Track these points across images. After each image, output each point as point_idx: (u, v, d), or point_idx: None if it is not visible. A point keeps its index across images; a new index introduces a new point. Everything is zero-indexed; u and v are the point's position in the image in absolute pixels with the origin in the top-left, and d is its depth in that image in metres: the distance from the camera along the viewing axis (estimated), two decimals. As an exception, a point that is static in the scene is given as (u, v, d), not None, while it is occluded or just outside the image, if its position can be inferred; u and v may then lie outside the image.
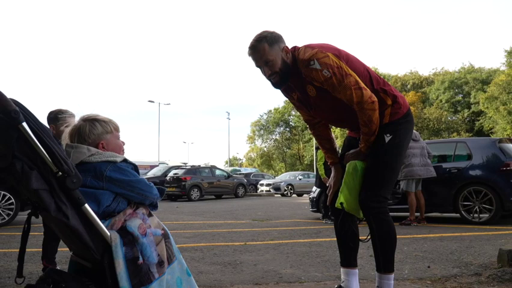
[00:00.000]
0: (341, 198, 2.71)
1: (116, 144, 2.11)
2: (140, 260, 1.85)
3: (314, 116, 2.91)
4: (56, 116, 3.60)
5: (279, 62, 2.58)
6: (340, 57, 2.56)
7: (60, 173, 1.69)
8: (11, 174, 1.66)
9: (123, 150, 2.16)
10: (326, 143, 3.00)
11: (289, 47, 2.67)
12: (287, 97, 2.92)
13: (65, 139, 2.06)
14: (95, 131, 2.05)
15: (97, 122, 2.07)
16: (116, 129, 2.14)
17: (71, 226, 1.72)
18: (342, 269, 2.86)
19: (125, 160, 2.01)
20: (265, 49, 2.55)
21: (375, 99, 2.53)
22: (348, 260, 2.84)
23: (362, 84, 2.52)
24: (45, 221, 1.96)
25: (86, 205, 1.76)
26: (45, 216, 1.89)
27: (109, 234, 1.80)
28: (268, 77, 2.65)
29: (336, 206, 2.73)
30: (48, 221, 1.96)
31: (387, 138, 2.62)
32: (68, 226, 1.72)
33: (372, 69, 2.77)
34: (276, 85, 2.71)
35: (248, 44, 2.62)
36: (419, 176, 8.03)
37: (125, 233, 1.86)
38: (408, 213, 8.17)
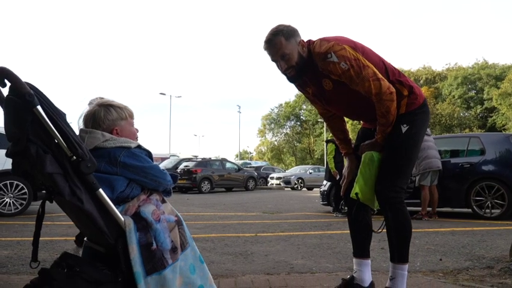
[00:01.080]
0: (356, 188, 2.68)
1: (130, 131, 2.11)
2: (154, 246, 1.85)
3: (329, 109, 2.90)
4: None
5: (296, 56, 2.55)
6: (356, 49, 2.53)
7: (74, 157, 1.69)
8: (26, 157, 1.67)
9: (137, 137, 2.16)
10: (340, 133, 2.99)
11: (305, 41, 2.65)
12: (302, 92, 2.90)
13: (79, 124, 2.06)
14: (110, 116, 2.04)
15: (112, 107, 2.07)
16: (131, 116, 2.14)
17: (86, 210, 1.72)
18: (354, 260, 2.84)
19: (139, 146, 2.01)
20: (281, 43, 2.52)
21: (393, 90, 2.50)
22: (361, 250, 2.82)
23: (380, 76, 2.50)
24: (60, 205, 1.96)
25: (101, 190, 1.76)
26: (59, 200, 1.89)
27: (123, 219, 1.81)
28: (284, 72, 2.62)
29: (351, 196, 2.71)
30: (62, 206, 1.97)
31: (404, 128, 2.59)
32: (83, 210, 1.72)
33: (387, 61, 2.74)
34: (291, 79, 2.69)
35: (264, 38, 2.58)
36: (437, 168, 7.97)
37: (139, 218, 1.86)
38: (419, 208, 8.12)
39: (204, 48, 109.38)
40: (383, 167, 2.65)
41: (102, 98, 2.12)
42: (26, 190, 8.33)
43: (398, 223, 2.63)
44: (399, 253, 2.64)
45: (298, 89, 2.89)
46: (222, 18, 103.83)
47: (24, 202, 8.33)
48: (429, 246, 4.90)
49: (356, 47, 2.55)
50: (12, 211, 8.22)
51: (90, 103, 2.10)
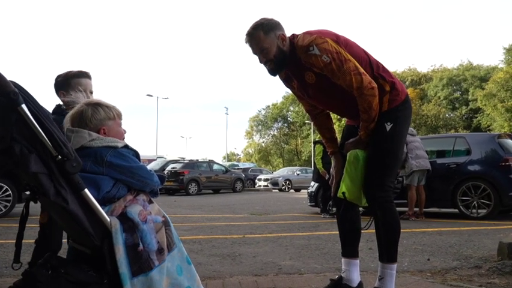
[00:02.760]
0: (342, 187, 2.69)
1: (117, 132, 2.08)
2: (141, 247, 1.82)
3: (314, 104, 2.89)
4: (67, 81, 2.75)
5: (274, 49, 2.58)
6: (339, 43, 2.56)
7: (59, 157, 1.66)
8: (10, 157, 1.63)
9: (124, 138, 2.13)
10: (326, 132, 2.99)
11: (288, 35, 2.66)
12: (288, 87, 2.91)
13: (66, 123, 2.03)
14: (98, 116, 2.01)
15: (99, 107, 2.04)
16: (119, 116, 2.10)
17: (71, 211, 1.68)
18: (343, 260, 2.83)
19: (126, 146, 1.98)
20: (260, 37, 2.57)
21: (375, 85, 2.52)
22: (350, 250, 2.82)
23: (362, 70, 2.51)
24: (44, 206, 1.93)
25: (86, 190, 1.72)
26: (44, 201, 1.86)
27: (108, 220, 1.77)
28: (265, 64, 2.66)
29: (338, 195, 2.72)
30: (47, 207, 1.94)
31: (388, 127, 2.60)
32: (67, 211, 1.68)
33: (372, 55, 2.75)
34: (271, 72, 2.72)
35: (244, 38, 2.64)
36: (426, 168, 8.04)
37: (125, 219, 1.83)
38: (407, 208, 8.16)
39: (191, 50, 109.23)
40: (370, 166, 2.66)
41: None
42: (11, 192, 8.21)
43: (386, 222, 2.65)
44: (388, 252, 2.65)
45: (285, 85, 2.91)
46: (209, 20, 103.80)
47: (8, 204, 8.21)
48: (416, 246, 4.92)
49: (338, 40, 2.58)
50: (3, 210, 8.11)
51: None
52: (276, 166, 65.23)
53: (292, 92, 2.95)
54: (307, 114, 3.05)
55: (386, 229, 2.65)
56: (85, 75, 2.80)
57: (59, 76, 2.78)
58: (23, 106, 1.59)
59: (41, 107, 1.69)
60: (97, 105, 2.04)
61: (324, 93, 2.70)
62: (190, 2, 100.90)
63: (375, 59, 2.72)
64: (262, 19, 2.63)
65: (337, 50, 2.50)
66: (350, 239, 2.84)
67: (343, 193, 2.67)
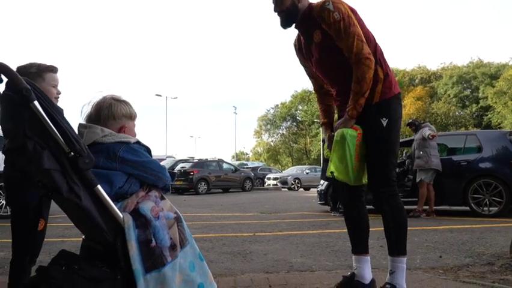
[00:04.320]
0: (331, 167, 2.71)
1: (134, 132, 2.13)
2: (153, 243, 1.82)
3: (318, 76, 2.96)
4: (40, 74, 2.50)
5: (289, 2, 2.72)
6: (353, 12, 2.68)
7: (72, 153, 1.66)
8: (23, 154, 1.64)
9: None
10: (326, 105, 3.04)
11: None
12: (305, 65, 3.03)
13: (83, 111, 2.04)
14: (124, 112, 2.05)
15: (126, 104, 2.08)
16: (136, 116, 2.14)
17: (84, 207, 1.69)
18: (354, 257, 2.84)
19: (138, 142, 1.99)
20: None
21: (373, 58, 2.59)
22: (360, 246, 2.82)
23: (364, 39, 2.59)
24: (57, 203, 1.94)
25: (99, 186, 1.73)
26: (57, 198, 1.86)
27: (121, 216, 1.78)
28: (277, 14, 2.78)
29: (327, 175, 2.76)
30: (60, 204, 1.94)
31: (385, 122, 2.65)
32: (80, 207, 1.69)
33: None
34: (282, 24, 2.82)
35: None
36: (439, 168, 8.08)
37: (137, 215, 1.83)
38: (415, 206, 8.11)
39: (199, 50, 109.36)
40: (371, 163, 2.70)
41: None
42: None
43: (395, 215, 2.67)
44: (397, 246, 2.67)
45: (299, 57, 3.04)
46: (217, 20, 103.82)
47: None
48: (428, 244, 4.89)
49: (353, 10, 2.70)
50: (8, 213, 8.14)
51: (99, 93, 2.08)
52: (285, 165, 65.17)
53: (306, 72, 3.06)
54: (316, 113, 3.09)
55: (395, 223, 2.67)
56: (56, 70, 2.60)
57: (31, 66, 2.47)
58: (36, 103, 1.60)
59: (53, 103, 1.70)
60: (124, 102, 2.07)
61: (326, 57, 2.77)
62: (198, 2, 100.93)
63: (380, 47, 2.77)
64: None
65: (348, 13, 2.61)
66: (359, 235, 2.86)
67: (331, 172, 2.70)
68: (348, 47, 2.58)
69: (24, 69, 2.44)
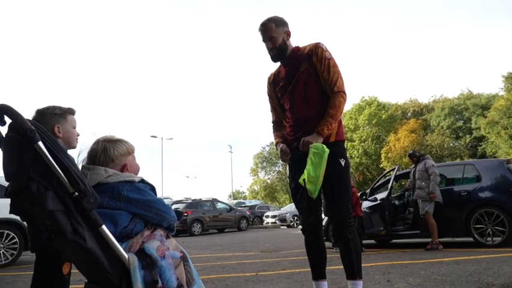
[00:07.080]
0: (305, 174, 2.92)
1: (136, 166, 2.11)
2: (160, 284, 1.77)
3: (284, 107, 3.35)
4: (64, 116, 2.62)
5: (280, 40, 3.19)
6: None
7: (76, 193, 1.63)
8: (26, 196, 1.60)
9: (138, 171, 2.12)
10: (282, 135, 3.44)
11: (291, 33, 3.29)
12: (271, 97, 3.46)
13: (79, 160, 2.01)
14: (121, 151, 2.03)
15: (120, 143, 2.06)
16: (134, 150, 2.12)
17: (88, 249, 1.65)
18: (314, 283, 3.23)
19: (142, 180, 1.95)
20: (272, 27, 3.17)
21: (347, 98, 3.09)
22: (320, 272, 3.23)
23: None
24: (59, 246, 1.88)
25: (104, 226, 1.69)
26: (59, 240, 1.81)
27: (127, 256, 1.73)
28: (270, 50, 3.23)
29: (299, 181, 2.96)
30: (62, 246, 1.89)
31: (342, 162, 3.09)
32: (85, 249, 1.64)
33: None
34: (274, 58, 3.27)
35: (259, 27, 3.21)
36: (439, 200, 8.05)
37: (143, 255, 1.78)
38: (418, 239, 8.01)
39: (193, 90, 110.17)
40: (335, 199, 3.08)
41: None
42: (17, 240, 8.11)
43: (356, 243, 3.05)
44: (359, 270, 3.03)
45: (269, 91, 3.46)
46: (211, 60, 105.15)
47: (15, 252, 8.10)
48: (436, 277, 4.78)
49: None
50: (3, 262, 7.96)
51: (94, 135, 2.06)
52: (282, 202, 64.73)
53: (269, 98, 3.49)
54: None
55: (356, 250, 3.04)
56: (75, 112, 2.70)
57: (55, 108, 2.59)
58: (40, 143, 1.58)
59: (56, 142, 1.68)
60: (117, 141, 2.05)
61: (305, 85, 3.15)
62: (192, 43, 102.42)
63: None
64: (274, 16, 3.22)
65: (334, 59, 3.16)
66: (319, 261, 3.26)
67: (304, 180, 2.92)
68: (332, 80, 3.08)
69: (49, 111, 2.57)
